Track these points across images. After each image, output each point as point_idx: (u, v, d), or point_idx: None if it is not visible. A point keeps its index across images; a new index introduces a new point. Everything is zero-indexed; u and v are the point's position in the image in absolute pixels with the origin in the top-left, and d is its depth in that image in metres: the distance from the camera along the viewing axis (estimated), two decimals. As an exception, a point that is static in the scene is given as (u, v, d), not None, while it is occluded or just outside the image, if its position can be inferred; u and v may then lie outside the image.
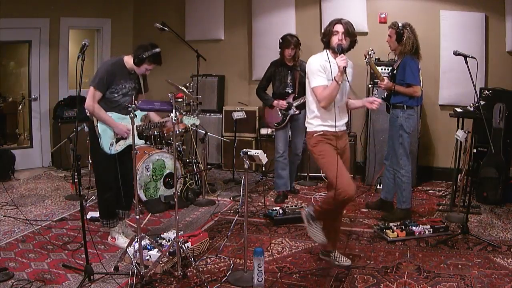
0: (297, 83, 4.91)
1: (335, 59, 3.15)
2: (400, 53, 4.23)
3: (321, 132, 3.22)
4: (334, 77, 3.10)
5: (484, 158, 4.85)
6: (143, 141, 3.86)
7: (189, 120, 3.59)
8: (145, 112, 3.82)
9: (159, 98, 6.20)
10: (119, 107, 3.59)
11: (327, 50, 3.22)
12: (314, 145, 3.25)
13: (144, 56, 3.45)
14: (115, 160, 3.59)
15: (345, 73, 3.08)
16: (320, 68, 3.15)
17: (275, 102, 4.95)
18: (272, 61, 5.04)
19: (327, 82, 3.14)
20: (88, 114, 3.62)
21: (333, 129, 3.20)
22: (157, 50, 3.50)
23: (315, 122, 3.25)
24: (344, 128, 3.33)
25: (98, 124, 3.52)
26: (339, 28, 3.16)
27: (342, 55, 3.09)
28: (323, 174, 5.78)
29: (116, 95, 3.55)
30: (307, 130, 3.33)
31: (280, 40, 4.91)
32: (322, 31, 3.24)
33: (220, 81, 6.69)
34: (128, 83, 3.60)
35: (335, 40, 3.16)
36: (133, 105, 3.07)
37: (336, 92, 3.12)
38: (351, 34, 3.18)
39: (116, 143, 3.59)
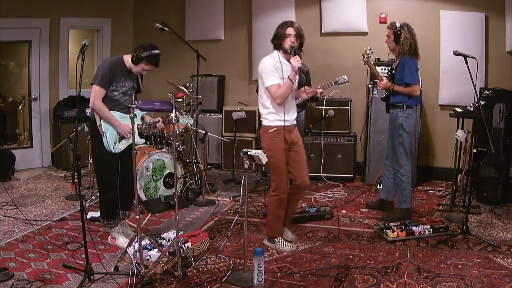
0: (296, 83, 4.91)
1: (286, 59, 3.46)
2: (398, 53, 4.24)
3: (275, 128, 3.49)
4: (288, 76, 3.41)
5: (484, 158, 4.85)
6: (143, 140, 3.89)
7: (184, 120, 3.67)
8: (145, 112, 3.84)
9: (159, 98, 6.27)
10: (119, 106, 3.60)
11: (278, 52, 3.49)
12: (269, 141, 3.53)
13: (142, 55, 3.48)
14: (117, 160, 3.59)
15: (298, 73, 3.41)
16: (273, 68, 3.43)
17: None
18: None
19: (280, 81, 3.43)
20: (89, 114, 3.63)
21: (286, 123, 3.49)
22: (156, 51, 3.54)
23: (270, 118, 3.51)
24: (295, 122, 3.65)
25: (102, 123, 3.53)
26: (291, 31, 3.44)
27: (296, 56, 3.38)
28: (323, 174, 5.80)
29: (116, 93, 3.56)
30: (263, 124, 3.58)
31: None
32: (274, 33, 3.49)
33: (220, 81, 6.69)
34: (128, 81, 3.62)
35: (288, 42, 3.42)
36: (133, 105, 3.08)
37: (290, 90, 3.45)
38: (301, 36, 3.49)
39: (119, 141, 3.61)
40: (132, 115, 3.08)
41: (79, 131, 3.49)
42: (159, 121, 3.78)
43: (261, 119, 3.62)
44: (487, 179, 4.80)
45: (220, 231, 4.11)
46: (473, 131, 4.47)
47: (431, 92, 5.82)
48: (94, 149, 3.69)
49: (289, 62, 3.44)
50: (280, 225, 3.72)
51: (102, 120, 3.52)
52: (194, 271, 3.26)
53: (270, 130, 3.51)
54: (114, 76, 3.51)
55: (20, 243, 3.76)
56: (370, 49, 4.25)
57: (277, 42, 3.46)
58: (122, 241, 3.70)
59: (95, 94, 3.46)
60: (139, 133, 3.74)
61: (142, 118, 3.78)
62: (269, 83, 3.42)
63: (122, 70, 3.57)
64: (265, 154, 3.43)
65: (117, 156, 3.59)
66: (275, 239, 3.69)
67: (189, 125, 4.78)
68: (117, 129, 3.56)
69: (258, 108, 6.30)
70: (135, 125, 3.70)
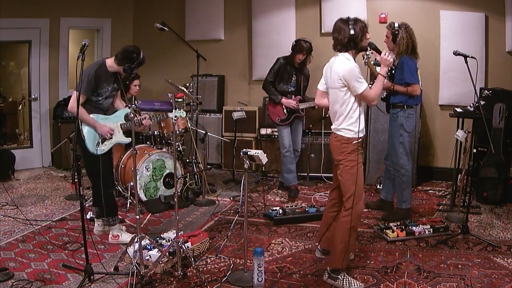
0: (301, 87, 5.07)
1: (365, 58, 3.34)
2: (397, 53, 4.24)
3: (360, 140, 3.11)
4: (379, 73, 3.22)
5: (484, 158, 4.85)
6: (129, 139, 3.80)
7: (177, 114, 3.59)
8: (128, 110, 3.80)
9: (159, 98, 6.27)
10: (102, 109, 3.69)
11: (352, 51, 3.15)
12: (351, 153, 3.10)
13: (134, 72, 3.65)
14: (108, 156, 3.71)
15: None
16: (359, 71, 3.07)
17: (284, 100, 5.04)
18: (280, 57, 5.08)
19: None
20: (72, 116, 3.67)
21: (362, 134, 3.12)
22: (141, 56, 3.58)
23: (355, 129, 3.08)
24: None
25: (82, 126, 3.58)
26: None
27: (384, 49, 3.16)
28: (323, 174, 5.80)
29: (100, 98, 3.65)
30: (343, 135, 3.10)
31: (294, 43, 4.93)
32: (352, 32, 3.07)
33: (220, 81, 6.69)
34: (110, 85, 3.69)
35: (366, 38, 3.19)
36: (133, 105, 3.08)
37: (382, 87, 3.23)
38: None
39: (102, 143, 3.65)
40: (132, 116, 3.08)
41: (79, 131, 3.49)
42: (145, 118, 3.80)
43: (340, 132, 3.13)
44: (487, 179, 4.80)
45: (220, 231, 4.11)
46: (473, 131, 4.47)
47: (431, 92, 5.82)
48: (82, 150, 3.67)
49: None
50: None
51: (82, 124, 3.57)
52: (194, 271, 3.26)
53: (354, 142, 3.09)
54: (98, 85, 3.58)
55: (20, 243, 3.76)
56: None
57: (358, 39, 3.10)
58: (126, 237, 3.74)
59: (75, 100, 3.38)
60: (124, 132, 3.77)
61: (126, 116, 3.82)
62: (363, 88, 3.04)
63: (105, 76, 3.63)
64: (347, 167, 3.06)
65: (106, 153, 3.66)
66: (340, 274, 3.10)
67: (188, 123, 4.73)
68: (97, 131, 3.61)
69: (258, 108, 6.35)
70: (118, 125, 3.73)
